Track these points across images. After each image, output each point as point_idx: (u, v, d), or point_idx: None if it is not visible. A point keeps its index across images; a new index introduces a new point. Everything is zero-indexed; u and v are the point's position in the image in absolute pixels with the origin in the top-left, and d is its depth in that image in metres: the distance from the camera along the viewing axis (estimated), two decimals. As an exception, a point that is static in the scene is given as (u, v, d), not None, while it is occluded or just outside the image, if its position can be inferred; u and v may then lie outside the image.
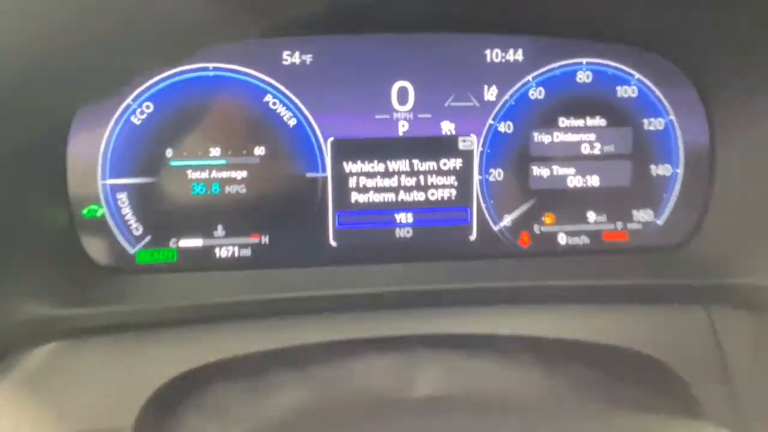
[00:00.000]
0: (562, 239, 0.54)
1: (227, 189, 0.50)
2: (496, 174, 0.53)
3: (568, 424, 0.39)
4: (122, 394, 0.45)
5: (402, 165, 0.52)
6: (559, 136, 0.53)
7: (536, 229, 0.54)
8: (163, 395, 0.46)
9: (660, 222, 0.55)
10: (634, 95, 0.53)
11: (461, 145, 0.52)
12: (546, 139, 0.53)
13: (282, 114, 0.50)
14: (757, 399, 0.48)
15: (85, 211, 0.48)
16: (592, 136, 0.53)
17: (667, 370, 0.49)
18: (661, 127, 0.53)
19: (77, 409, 0.44)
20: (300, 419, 0.43)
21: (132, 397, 0.45)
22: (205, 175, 0.50)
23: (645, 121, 0.53)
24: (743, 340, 0.50)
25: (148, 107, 0.49)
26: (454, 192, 0.53)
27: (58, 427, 0.43)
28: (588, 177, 0.54)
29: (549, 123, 0.53)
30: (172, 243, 0.50)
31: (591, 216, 0.54)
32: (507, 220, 0.53)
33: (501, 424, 0.38)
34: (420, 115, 0.51)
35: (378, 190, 0.52)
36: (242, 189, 0.50)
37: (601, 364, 0.50)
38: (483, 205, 0.53)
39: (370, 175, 0.52)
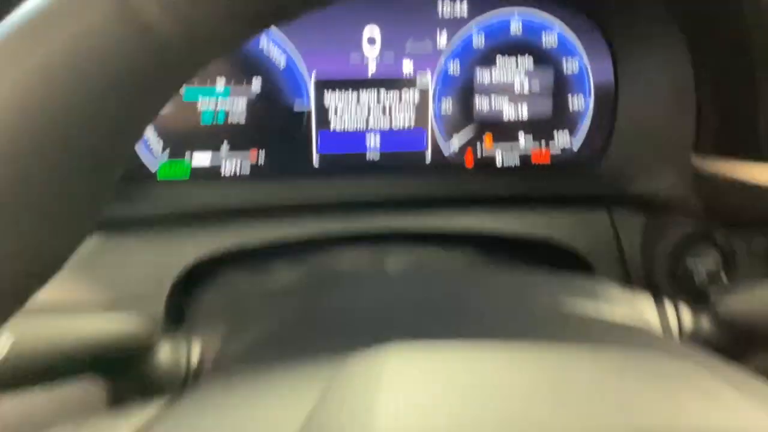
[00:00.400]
0: (498, 159, 0.67)
1: (230, 118, 0.62)
2: (446, 106, 0.66)
3: (495, 279, 0.52)
4: (153, 277, 0.57)
5: (371, 99, 0.64)
6: (496, 75, 0.66)
7: (478, 151, 0.67)
8: (185, 277, 0.58)
9: (575, 145, 0.68)
10: (555, 42, 0.66)
11: (418, 82, 0.65)
12: (486, 77, 0.65)
13: (274, 54, 0.62)
14: (641, 276, 0.63)
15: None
16: (522, 75, 0.66)
17: (577, 256, 0.63)
18: (576, 69, 0.67)
19: (118, 290, 0.56)
20: (294, 289, 0.55)
21: (161, 280, 0.57)
22: (212, 104, 0.61)
23: (564, 63, 0.66)
24: (635, 233, 0.65)
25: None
26: (412, 120, 0.65)
27: (104, 305, 0.55)
28: (519, 108, 0.66)
29: (488, 63, 0.65)
30: (186, 158, 0.62)
31: (521, 140, 0.67)
32: (455, 143, 0.66)
33: (449, 285, 0.51)
34: (386, 58, 0.63)
35: (351, 119, 0.64)
36: (242, 117, 0.62)
37: (525, 250, 0.64)
38: (436, 131, 0.66)
39: (345, 107, 0.64)
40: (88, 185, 0.22)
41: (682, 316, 0.48)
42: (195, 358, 0.44)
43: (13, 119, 0.19)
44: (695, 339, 0.47)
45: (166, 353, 0.43)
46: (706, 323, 0.47)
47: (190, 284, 0.60)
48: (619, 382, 0.31)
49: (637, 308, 0.48)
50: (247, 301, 0.52)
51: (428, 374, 0.30)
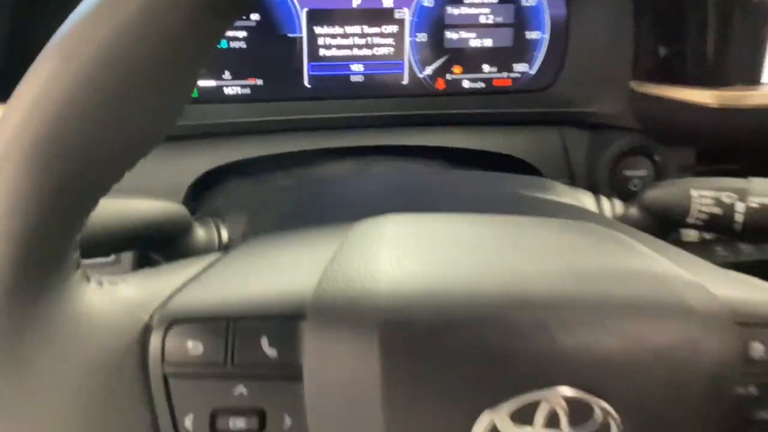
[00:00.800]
0: (466, 84, 0.77)
1: (232, 44, 0.71)
2: (421, 37, 0.75)
3: (465, 176, 0.63)
4: (169, 183, 0.65)
5: (355, 29, 0.73)
6: (464, 10, 0.74)
7: (448, 77, 0.76)
8: (198, 184, 0.67)
9: (532, 72, 0.77)
10: (515, -20, 0.75)
11: (397, 15, 0.73)
12: (456, 11, 0.74)
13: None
14: (585, 185, 0.74)
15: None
16: (487, 10, 0.75)
17: (531, 167, 0.74)
18: (534, 3, 0.76)
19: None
20: (289, 193, 0.65)
21: (177, 185, 0.66)
22: (217, 34, 0.70)
23: (523, -1, 0.76)
24: (581, 148, 0.75)
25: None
26: (391, 49, 0.74)
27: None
28: (484, 40, 0.75)
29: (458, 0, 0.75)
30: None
31: (485, 68, 0.77)
32: (428, 70, 0.76)
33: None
34: (368, -7, 0.73)
35: (338, 47, 0.73)
36: (243, 44, 0.71)
37: (487, 162, 0.75)
38: (412, 59, 0.75)
39: (333, 36, 0.73)
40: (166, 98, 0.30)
41: (615, 206, 0.59)
42: (225, 237, 0.54)
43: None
44: (625, 222, 0.58)
45: (200, 234, 0.53)
46: (633, 211, 0.58)
47: (200, 193, 0.69)
48: (562, 238, 0.42)
49: (579, 198, 0.60)
50: (257, 199, 0.61)
51: (420, 234, 0.40)
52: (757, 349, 0.35)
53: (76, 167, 0.27)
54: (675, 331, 0.34)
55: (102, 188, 0.30)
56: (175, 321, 0.32)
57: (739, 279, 0.41)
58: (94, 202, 0.30)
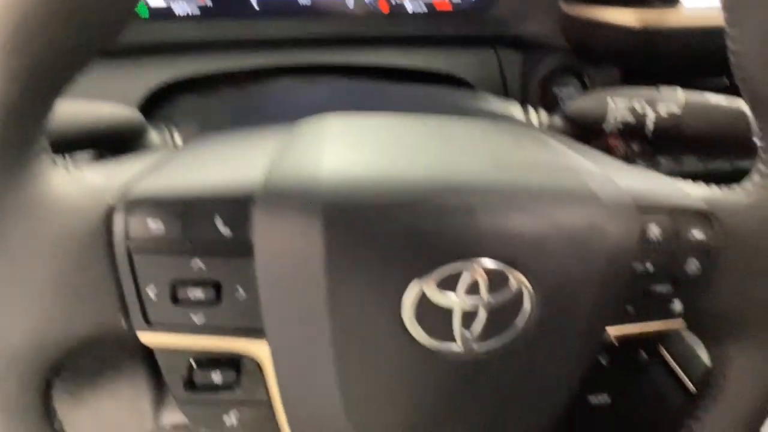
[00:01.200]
0: (408, 7, 0.80)
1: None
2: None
3: (405, 87, 0.67)
4: (122, 97, 0.67)
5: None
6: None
7: (392, 0, 0.80)
8: (150, 101, 0.70)
9: (471, -5, 0.82)
10: None
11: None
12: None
13: None
14: (518, 101, 0.79)
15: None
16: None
17: (469, 84, 0.79)
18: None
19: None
20: (239, 103, 0.68)
21: (130, 99, 0.68)
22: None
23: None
24: (515, 67, 0.80)
25: None
26: (336, -28, 0.77)
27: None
28: (425, -36, 0.79)
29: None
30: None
31: (428, -9, 0.81)
32: (372, -7, 0.79)
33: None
34: None
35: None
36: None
37: (427, 82, 0.79)
38: (356, -18, 0.78)
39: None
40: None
41: (540, 116, 0.64)
42: (178, 142, 0.58)
43: None
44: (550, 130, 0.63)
45: (154, 138, 0.56)
46: (557, 120, 0.63)
47: (153, 110, 0.72)
48: (486, 134, 0.46)
49: (508, 109, 0.64)
50: (208, 111, 0.65)
51: (361, 129, 0.44)
52: (654, 231, 0.41)
53: (42, 56, 0.31)
54: (581, 214, 0.39)
55: (65, 77, 0.33)
56: (137, 203, 0.36)
57: (643, 172, 0.46)
58: (58, 89, 0.33)
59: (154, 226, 0.36)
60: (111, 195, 0.36)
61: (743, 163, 0.80)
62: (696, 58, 0.77)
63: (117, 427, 1.28)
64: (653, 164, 0.81)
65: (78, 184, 0.36)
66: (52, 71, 0.31)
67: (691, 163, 0.82)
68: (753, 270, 0.43)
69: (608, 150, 0.55)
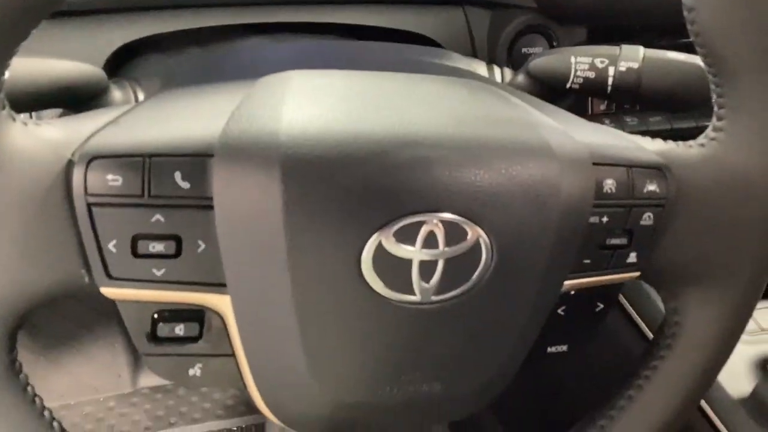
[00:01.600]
0: (375, -35, 0.80)
1: None
2: None
3: (372, 44, 0.67)
4: (86, 58, 0.67)
5: None
6: None
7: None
8: (114, 60, 0.69)
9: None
10: None
11: None
12: None
13: None
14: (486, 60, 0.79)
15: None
16: None
17: (437, 45, 0.79)
18: None
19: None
20: (201, 60, 0.68)
21: (94, 59, 0.68)
22: None
23: None
24: (483, 27, 0.80)
25: None
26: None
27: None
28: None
29: None
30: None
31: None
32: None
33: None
34: None
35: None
36: None
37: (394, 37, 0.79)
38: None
39: None
40: None
41: (504, 74, 0.65)
42: (141, 98, 0.57)
43: None
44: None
45: (116, 95, 0.56)
46: (521, 78, 0.64)
47: (116, 70, 0.71)
48: (446, 90, 0.47)
49: (472, 66, 0.65)
50: (171, 67, 0.64)
51: (320, 85, 0.44)
52: (609, 184, 0.42)
53: None
54: (538, 168, 0.40)
55: (17, 34, 0.33)
56: (96, 157, 0.36)
57: (600, 128, 0.47)
58: (11, 46, 0.33)
59: (113, 180, 0.36)
60: (70, 149, 0.36)
61: (707, 122, 0.81)
62: (662, 17, 0.77)
63: (94, 389, 1.29)
64: (620, 123, 0.82)
65: (36, 138, 0.36)
66: (3, 28, 0.31)
67: (657, 122, 0.83)
68: (705, 223, 0.45)
69: (573, 109, 0.56)
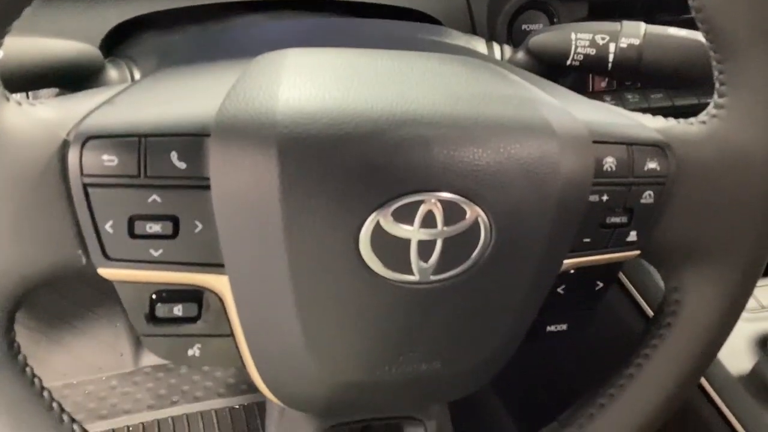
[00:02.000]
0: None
1: None
2: None
3: (372, 22, 0.66)
4: (82, 37, 0.66)
5: None
6: None
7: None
8: (110, 39, 0.69)
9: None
10: None
11: None
12: None
13: None
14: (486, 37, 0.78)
15: None
16: None
17: (436, 20, 0.78)
18: None
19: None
20: (198, 38, 0.67)
21: (90, 38, 0.67)
22: None
23: None
24: (483, 4, 0.79)
25: None
26: None
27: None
28: None
29: None
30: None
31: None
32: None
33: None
34: None
35: None
36: None
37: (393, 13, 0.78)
38: None
39: None
40: None
41: (504, 51, 0.64)
42: (137, 77, 0.57)
43: None
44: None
45: (112, 74, 0.56)
46: (521, 55, 0.63)
47: (112, 49, 0.70)
48: (445, 68, 0.46)
49: (471, 43, 0.64)
50: (168, 46, 0.64)
51: (317, 63, 0.44)
52: (609, 162, 0.42)
53: None
54: (537, 146, 0.40)
55: (9, 12, 0.33)
56: (91, 137, 0.36)
57: (600, 105, 0.47)
58: (4, 25, 0.33)
59: (109, 160, 0.36)
60: (65, 129, 0.36)
61: (709, 99, 0.80)
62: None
63: (97, 368, 1.29)
64: (621, 101, 0.81)
65: (30, 118, 0.36)
66: None
67: (658, 99, 0.83)
68: (706, 201, 0.44)
69: (574, 86, 0.55)
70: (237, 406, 1.22)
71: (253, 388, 1.23)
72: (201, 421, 1.20)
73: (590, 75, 0.83)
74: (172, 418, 1.20)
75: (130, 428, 1.19)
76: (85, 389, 1.23)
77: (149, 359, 1.32)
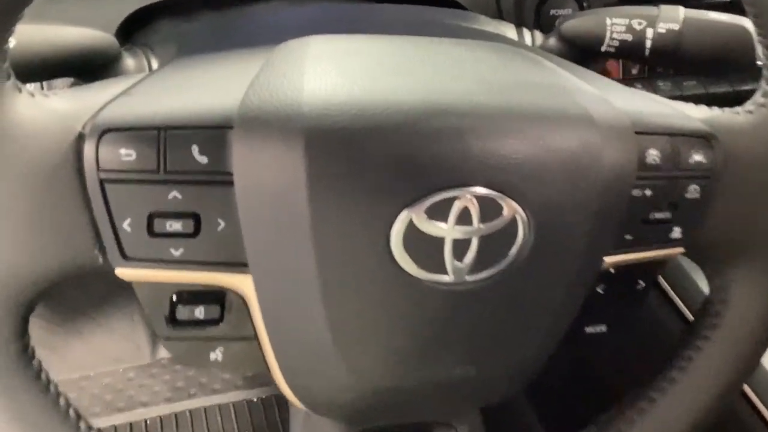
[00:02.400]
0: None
1: None
2: None
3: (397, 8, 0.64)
4: (101, 23, 0.64)
5: None
6: None
7: None
8: (127, 26, 0.67)
9: None
10: None
11: None
12: None
13: None
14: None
15: None
16: None
17: (461, 6, 0.75)
18: None
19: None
20: (218, 24, 0.65)
21: (105, 26, 0.65)
22: None
23: None
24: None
25: None
26: None
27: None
28: None
29: None
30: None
31: None
32: None
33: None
34: None
35: None
36: None
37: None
38: None
39: None
40: None
41: (535, 37, 0.62)
42: (155, 66, 0.55)
43: None
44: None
45: (129, 63, 0.54)
46: (552, 41, 0.61)
47: (129, 37, 0.68)
48: (477, 55, 0.44)
49: (500, 29, 0.62)
50: (187, 33, 0.62)
51: (343, 51, 0.42)
52: (652, 155, 0.39)
53: None
54: (577, 138, 0.37)
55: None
56: (107, 130, 0.34)
57: (641, 94, 0.44)
58: (15, 12, 0.31)
59: (127, 155, 0.34)
60: (80, 122, 0.34)
61: (745, 87, 0.77)
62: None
63: (114, 360, 1.29)
64: (652, 88, 0.78)
65: (43, 110, 0.34)
66: None
67: (691, 86, 0.80)
68: (755, 194, 0.42)
69: (606, 73, 0.53)
70: (255, 399, 1.21)
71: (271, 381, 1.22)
72: (219, 414, 1.19)
73: (620, 61, 0.80)
74: (190, 411, 1.19)
75: (148, 422, 1.18)
76: (102, 381, 1.22)
77: (166, 351, 1.31)
